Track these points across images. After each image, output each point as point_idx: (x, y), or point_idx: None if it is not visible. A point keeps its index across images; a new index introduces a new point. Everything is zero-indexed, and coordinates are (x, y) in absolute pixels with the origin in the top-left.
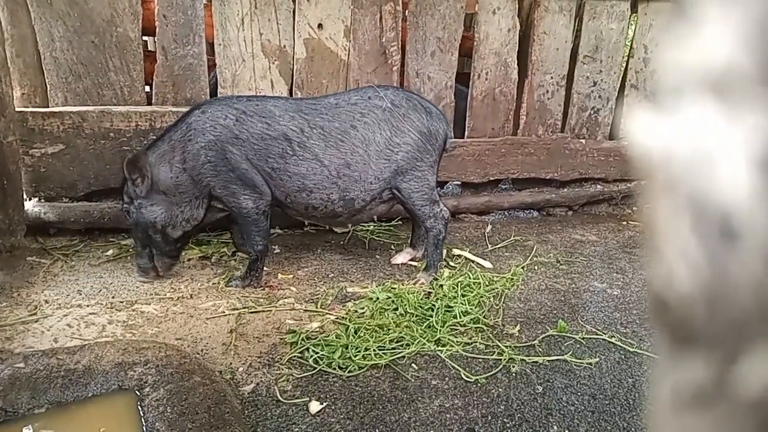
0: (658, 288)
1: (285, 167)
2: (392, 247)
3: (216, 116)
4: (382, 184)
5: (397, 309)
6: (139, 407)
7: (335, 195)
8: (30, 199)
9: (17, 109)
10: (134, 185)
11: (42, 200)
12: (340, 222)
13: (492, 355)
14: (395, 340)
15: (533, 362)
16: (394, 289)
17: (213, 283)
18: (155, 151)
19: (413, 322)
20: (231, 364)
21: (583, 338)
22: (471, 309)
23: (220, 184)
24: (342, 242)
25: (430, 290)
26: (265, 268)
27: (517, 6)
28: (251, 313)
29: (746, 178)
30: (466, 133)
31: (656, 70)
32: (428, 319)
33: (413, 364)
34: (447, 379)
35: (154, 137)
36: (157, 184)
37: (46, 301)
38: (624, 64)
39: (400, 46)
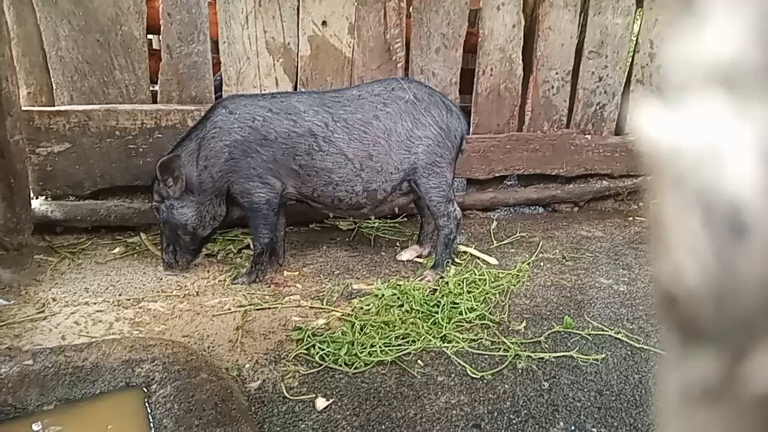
0: (666, 283)
1: (312, 163)
2: (398, 243)
3: (245, 117)
4: (402, 174)
5: (402, 306)
6: (146, 404)
7: (359, 187)
8: (37, 198)
9: (23, 108)
10: (166, 186)
11: (49, 199)
12: (363, 214)
13: (498, 351)
14: (401, 337)
15: (539, 358)
16: (400, 285)
17: (219, 281)
18: (184, 150)
19: (419, 318)
20: (237, 360)
21: (590, 334)
22: (477, 305)
23: (239, 180)
24: (347, 239)
25: (435, 287)
26: (270, 267)
27: (521, 2)
28: (257, 310)
29: (755, 173)
30: (471, 130)
31: (662, 65)
32: (434, 316)
33: (419, 361)
34: (453, 375)
35: (160, 135)
36: (189, 184)
37: (54, 299)
38: (630, 60)
39: (404, 43)
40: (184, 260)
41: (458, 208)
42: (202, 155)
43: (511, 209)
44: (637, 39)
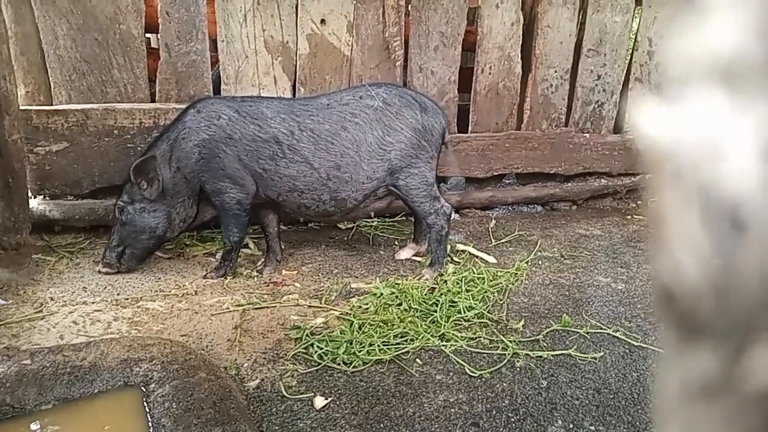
0: (665, 280)
1: (276, 169)
2: (396, 242)
3: (211, 116)
4: (375, 183)
5: (401, 304)
6: (144, 403)
7: (326, 196)
8: (35, 197)
9: (21, 107)
10: (140, 188)
11: (47, 198)
12: (334, 220)
13: (496, 349)
14: (399, 336)
15: (537, 357)
16: (399, 284)
17: (217, 280)
18: (156, 151)
19: (417, 317)
20: (236, 360)
21: (588, 333)
22: (475, 304)
23: (210, 180)
24: (346, 238)
25: (434, 285)
26: (268, 265)
27: (520, 0)
28: (256, 309)
29: (755, 168)
30: (469, 128)
31: (662, 62)
32: (432, 315)
33: (417, 359)
34: (451, 373)
35: (158, 134)
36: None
37: (52, 299)
38: (628, 58)
39: (403, 41)
40: (130, 264)
41: (446, 203)
42: (174, 157)
43: (510, 208)
44: (635, 37)
